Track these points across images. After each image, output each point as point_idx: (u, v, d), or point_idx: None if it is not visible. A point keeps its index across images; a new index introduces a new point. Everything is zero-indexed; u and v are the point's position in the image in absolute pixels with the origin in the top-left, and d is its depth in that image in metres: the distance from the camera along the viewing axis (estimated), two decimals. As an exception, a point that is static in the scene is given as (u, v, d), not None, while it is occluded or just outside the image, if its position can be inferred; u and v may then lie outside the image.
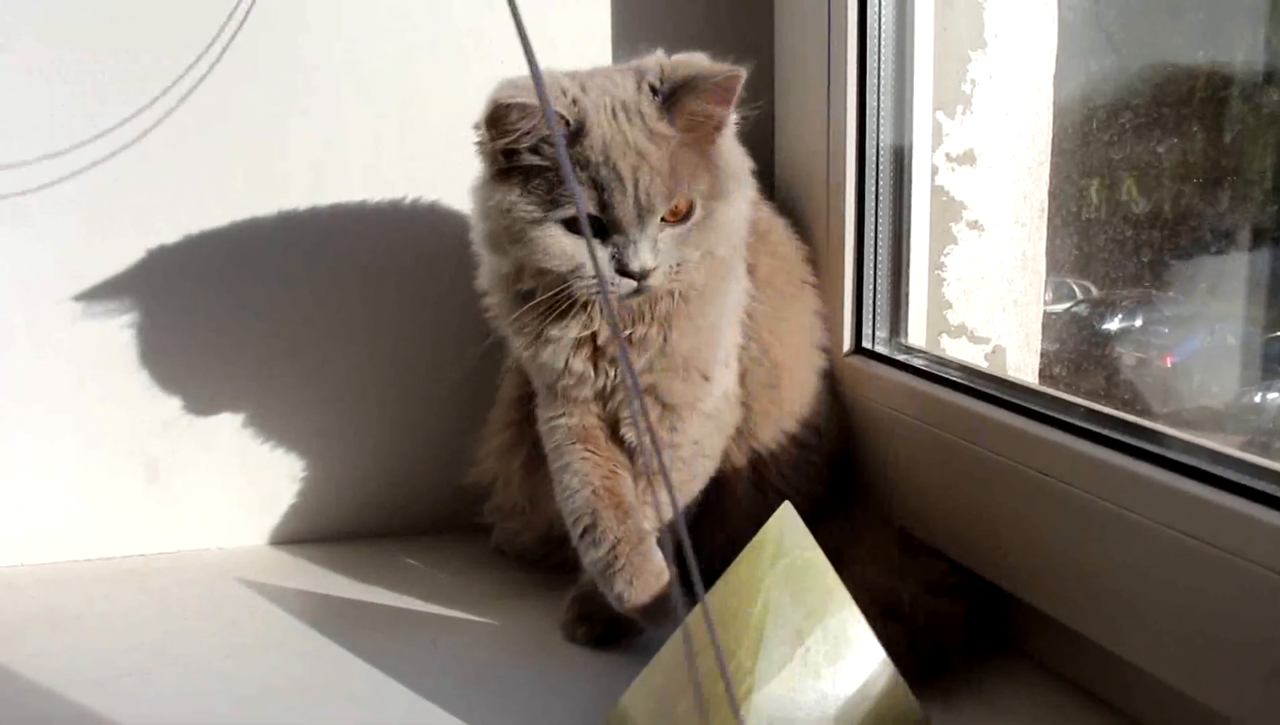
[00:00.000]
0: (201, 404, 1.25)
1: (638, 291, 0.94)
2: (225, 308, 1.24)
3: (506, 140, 0.91)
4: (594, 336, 1.00)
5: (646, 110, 0.93)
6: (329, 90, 1.22)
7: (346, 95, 1.23)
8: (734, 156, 1.00)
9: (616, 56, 1.29)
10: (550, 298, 0.96)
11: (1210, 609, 0.77)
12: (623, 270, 0.93)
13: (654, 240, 0.93)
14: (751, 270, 1.09)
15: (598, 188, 0.91)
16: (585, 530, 1.00)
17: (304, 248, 1.24)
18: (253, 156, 1.22)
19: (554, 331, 0.99)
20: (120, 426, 1.23)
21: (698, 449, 1.07)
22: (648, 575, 0.98)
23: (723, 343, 1.06)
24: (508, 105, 0.88)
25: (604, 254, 0.93)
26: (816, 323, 1.17)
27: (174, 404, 1.24)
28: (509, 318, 1.02)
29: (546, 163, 0.92)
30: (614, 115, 0.93)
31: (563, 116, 0.91)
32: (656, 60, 0.97)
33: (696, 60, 0.95)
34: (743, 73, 0.92)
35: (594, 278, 0.94)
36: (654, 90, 0.94)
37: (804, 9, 1.23)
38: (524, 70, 0.58)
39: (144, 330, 1.22)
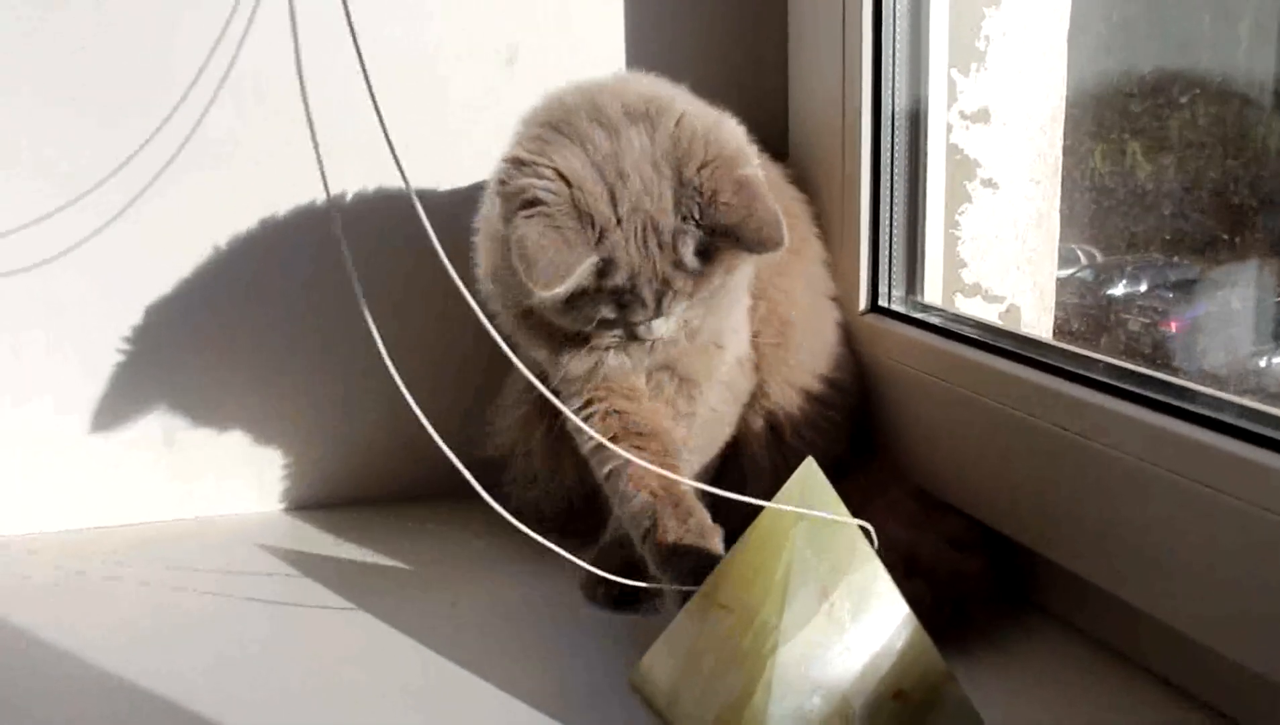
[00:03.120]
0: (218, 373, 1.25)
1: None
2: (240, 280, 1.24)
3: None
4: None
5: (681, 243, 0.89)
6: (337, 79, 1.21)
7: (355, 81, 1.21)
8: None
9: (631, 22, 1.28)
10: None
11: (1234, 562, 0.77)
12: (634, 337, 0.95)
13: (666, 318, 0.93)
14: None
15: (620, 305, 0.91)
16: (646, 533, 0.95)
17: (311, 223, 1.24)
18: (260, 142, 1.21)
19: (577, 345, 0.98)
20: (138, 397, 1.23)
21: (715, 416, 1.07)
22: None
23: (736, 308, 1.05)
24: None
25: (620, 324, 0.94)
26: (824, 273, 1.16)
27: (190, 373, 1.24)
28: (518, 328, 1.01)
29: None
30: (644, 243, 0.89)
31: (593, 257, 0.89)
32: (698, 161, 0.90)
33: (740, 183, 0.89)
34: (785, 242, 0.88)
35: (609, 335, 0.95)
36: (696, 221, 0.89)
37: (817, -36, 1.22)
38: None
39: (160, 303, 1.22)
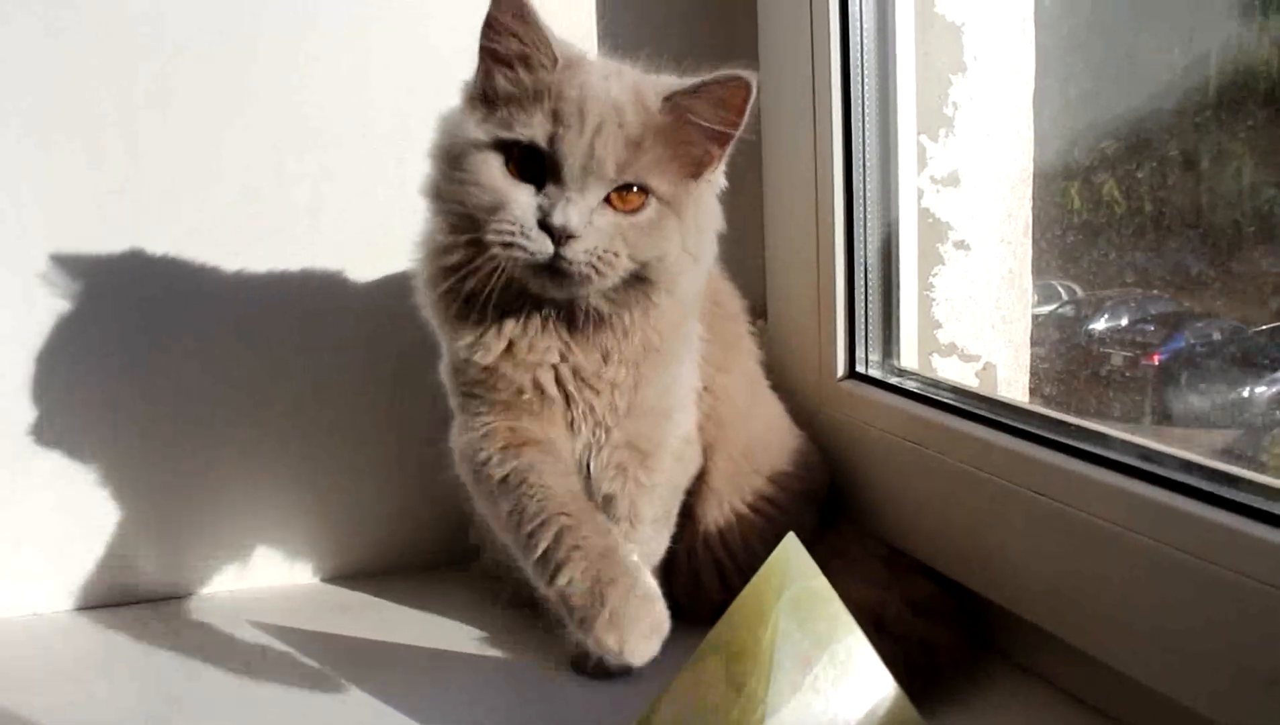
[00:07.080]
0: (206, 449, 1.25)
1: (553, 265, 0.86)
2: (233, 351, 1.24)
3: (492, 44, 0.88)
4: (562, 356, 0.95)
5: (644, 89, 0.89)
6: (324, 131, 1.24)
7: (341, 137, 1.24)
8: (708, 205, 0.94)
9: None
10: (483, 271, 0.88)
11: (1202, 620, 0.79)
12: (544, 222, 0.86)
13: (590, 209, 0.87)
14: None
15: (555, 120, 0.86)
16: (549, 558, 0.88)
17: (302, 294, 1.25)
18: (247, 202, 1.22)
19: (502, 329, 0.93)
20: (128, 475, 1.23)
21: (672, 487, 1.07)
22: (643, 614, 0.85)
23: (682, 385, 1.05)
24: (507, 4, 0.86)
25: (529, 201, 0.87)
26: (758, 370, 1.17)
27: (180, 450, 1.24)
28: (440, 298, 0.95)
29: (519, 90, 0.88)
30: (605, 76, 0.89)
31: (551, 48, 0.87)
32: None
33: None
34: (750, 82, 0.87)
35: (512, 226, 0.86)
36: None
37: (787, 35, 1.24)
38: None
39: (149, 371, 1.22)
